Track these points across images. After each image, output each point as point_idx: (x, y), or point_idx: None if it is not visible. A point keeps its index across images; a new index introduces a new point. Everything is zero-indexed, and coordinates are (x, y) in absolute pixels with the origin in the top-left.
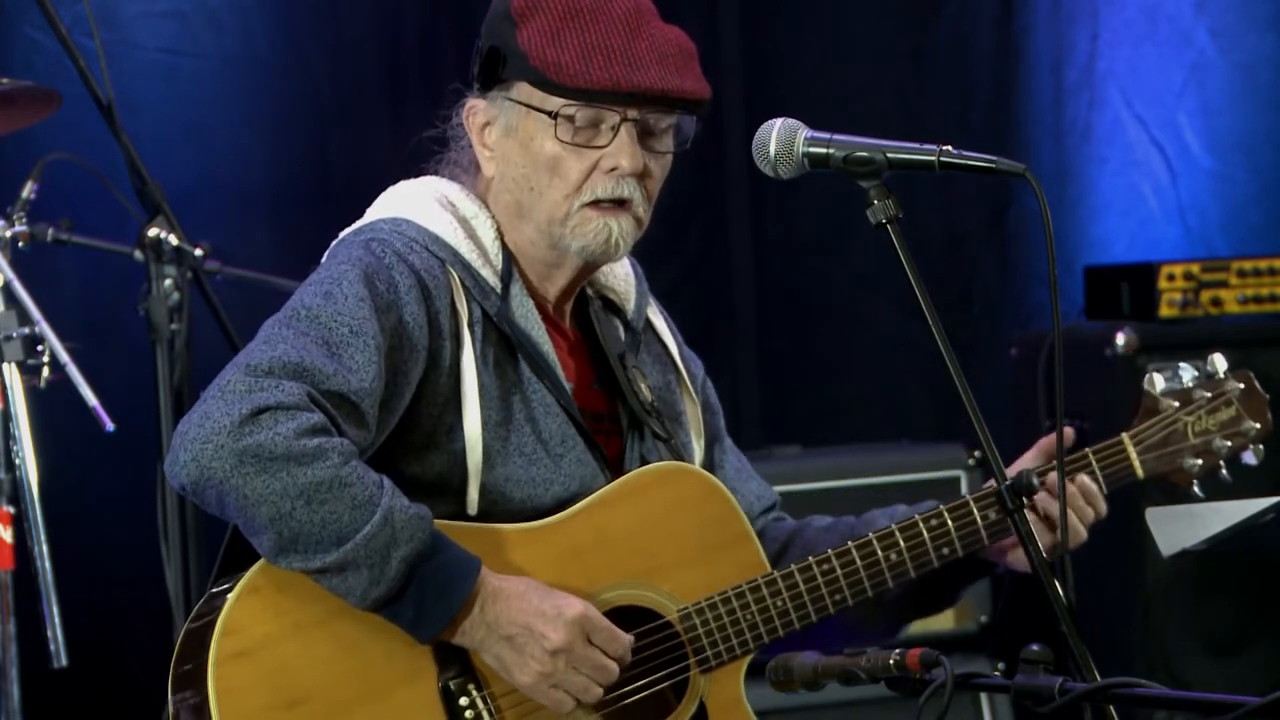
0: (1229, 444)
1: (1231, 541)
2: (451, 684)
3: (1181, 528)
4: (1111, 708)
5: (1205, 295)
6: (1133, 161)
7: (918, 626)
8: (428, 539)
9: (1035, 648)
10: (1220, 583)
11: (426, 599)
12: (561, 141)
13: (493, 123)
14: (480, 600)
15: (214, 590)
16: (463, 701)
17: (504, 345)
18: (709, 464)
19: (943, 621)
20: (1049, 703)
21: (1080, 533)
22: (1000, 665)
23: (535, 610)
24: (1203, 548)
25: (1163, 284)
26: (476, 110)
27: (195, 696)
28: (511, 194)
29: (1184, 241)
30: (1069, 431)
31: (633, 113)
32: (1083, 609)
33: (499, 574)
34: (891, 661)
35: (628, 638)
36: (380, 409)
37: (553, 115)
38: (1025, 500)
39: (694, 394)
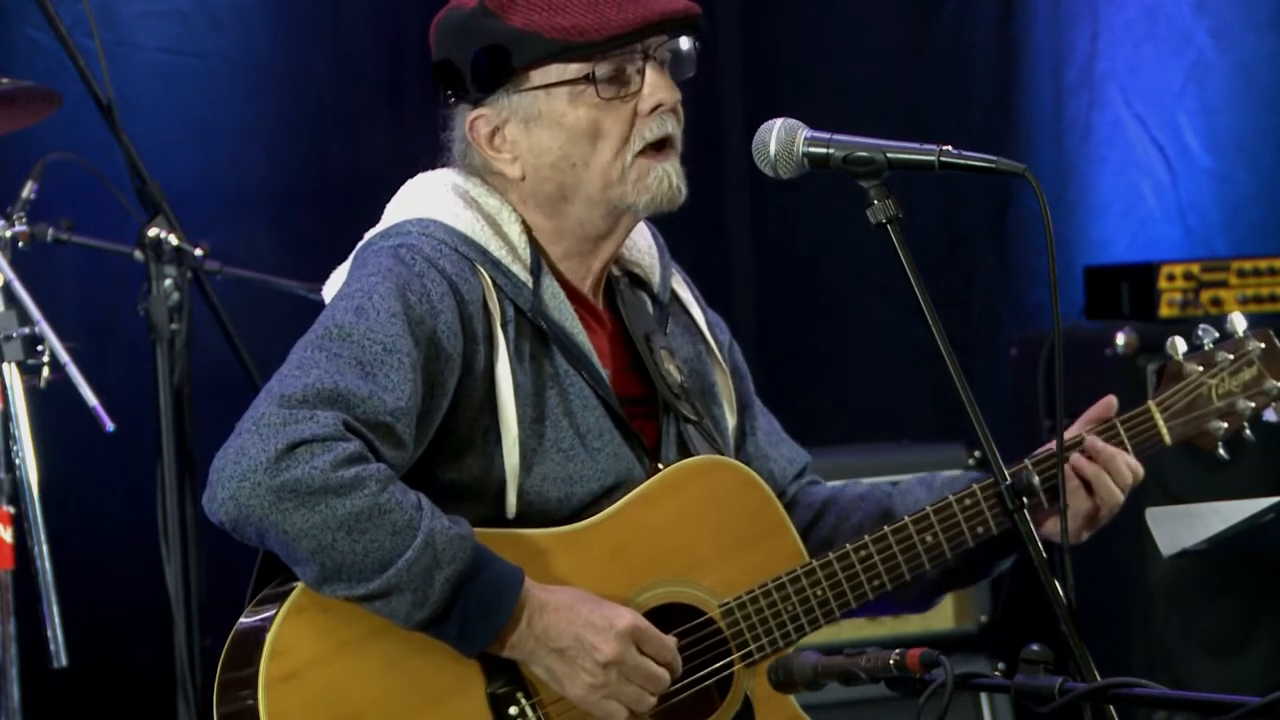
0: (1252, 404)
1: (1231, 541)
2: (500, 693)
3: (1181, 528)
4: (1111, 708)
5: (1205, 295)
6: (1133, 161)
7: (917, 626)
8: (470, 558)
9: (1035, 648)
10: (1220, 583)
11: (471, 617)
12: (601, 100)
13: (503, 125)
14: (527, 614)
15: (260, 601)
16: (512, 711)
17: (539, 340)
18: (741, 431)
19: (943, 621)
20: (1049, 703)
21: (1117, 496)
22: (1000, 665)
23: (585, 622)
24: (1203, 548)
25: (1163, 284)
26: (480, 120)
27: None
28: (551, 181)
29: (1184, 241)
30: (1111, 400)
31: (652, 47)
32: (1083, 609)
33: (544, 584)
34: (891, 661)
35: (675, 646)
36: (418, 422)
37: (589, 79)
38: (1026, 500)
39: (722, 362)
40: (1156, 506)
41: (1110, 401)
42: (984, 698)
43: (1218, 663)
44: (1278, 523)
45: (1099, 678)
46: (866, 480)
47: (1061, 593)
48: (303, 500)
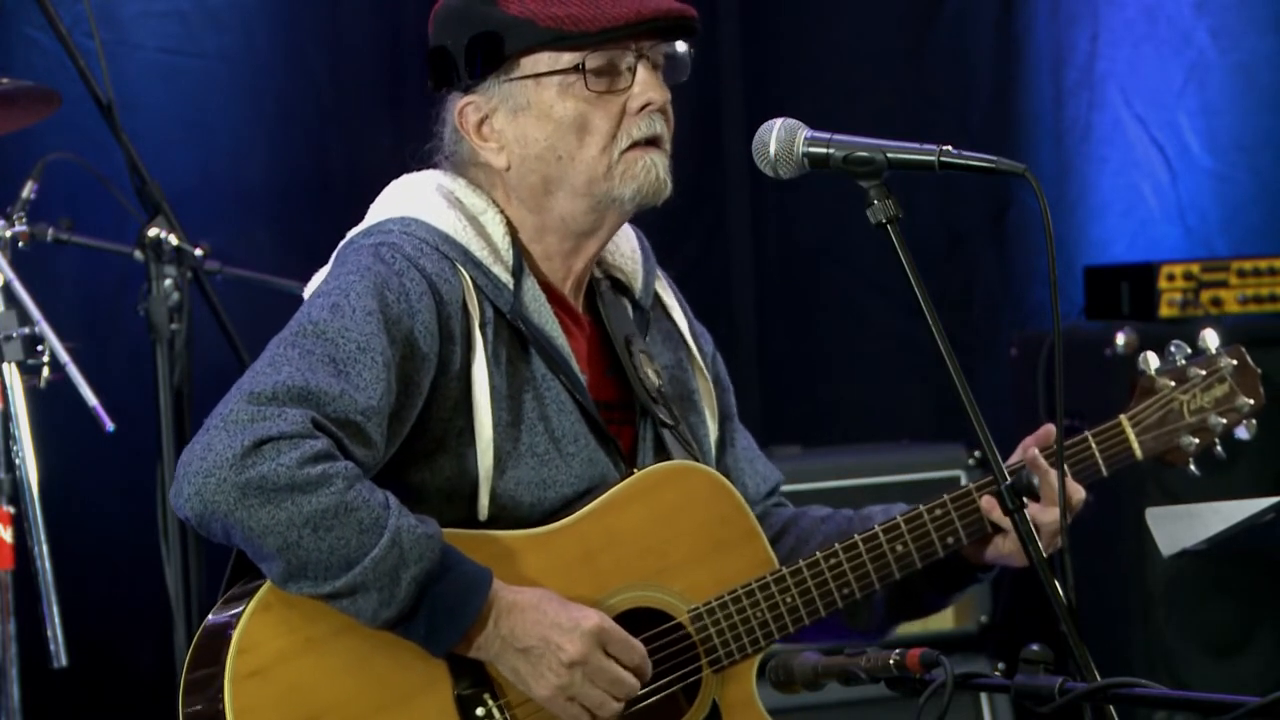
0: (1224, 421)
1: (1231, 541)
2: (466, 693)
3: (1181, 528)
4: (1111, 708)
5: (1205, 295)
6: (1133, 161)
7: (918, 626)
8: (437, 557)
9: (1035, 648)
10: (1220, 583)
11: (438, 616)
12: (590, 93)
13: (492, 113)
14: (494, 614)
15: (228, 599)
16: (479, 711)
17: (517, 342)
18: (721, 443)
19: (943, 621)
20: (1049, 703)
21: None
22: (1000, 665)
23: (551, 622)
24: (1203, 548)
25: (1163, 284)
26: (470, 108)
27: (212, 715)
28: (536, 173)
29: (1184, 241)
30: (1050, 428)
31: (646, 47)
32: (1083, 609)
33: (512, 585)
34: (891, 661)
35: (643, 649)
36: (390, 422)
37: (579, 69)
38: (1026, 500)
39: (705, 371)
40: (1156, 506)
41: (1050, 430)
42: (984, 698)
43: (1218, 663)
44: (1278, 523)
45: (1099, 678)
46: (827, 509)
47: (1061, 593)
48: (268, 497)
